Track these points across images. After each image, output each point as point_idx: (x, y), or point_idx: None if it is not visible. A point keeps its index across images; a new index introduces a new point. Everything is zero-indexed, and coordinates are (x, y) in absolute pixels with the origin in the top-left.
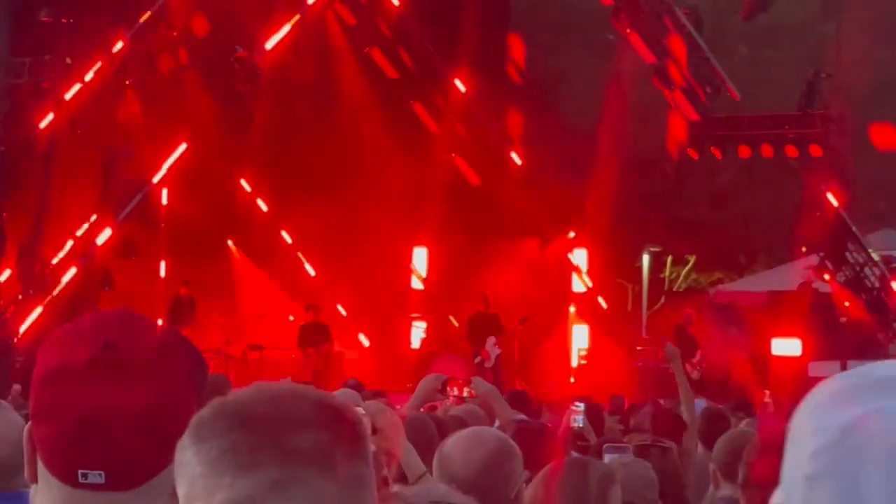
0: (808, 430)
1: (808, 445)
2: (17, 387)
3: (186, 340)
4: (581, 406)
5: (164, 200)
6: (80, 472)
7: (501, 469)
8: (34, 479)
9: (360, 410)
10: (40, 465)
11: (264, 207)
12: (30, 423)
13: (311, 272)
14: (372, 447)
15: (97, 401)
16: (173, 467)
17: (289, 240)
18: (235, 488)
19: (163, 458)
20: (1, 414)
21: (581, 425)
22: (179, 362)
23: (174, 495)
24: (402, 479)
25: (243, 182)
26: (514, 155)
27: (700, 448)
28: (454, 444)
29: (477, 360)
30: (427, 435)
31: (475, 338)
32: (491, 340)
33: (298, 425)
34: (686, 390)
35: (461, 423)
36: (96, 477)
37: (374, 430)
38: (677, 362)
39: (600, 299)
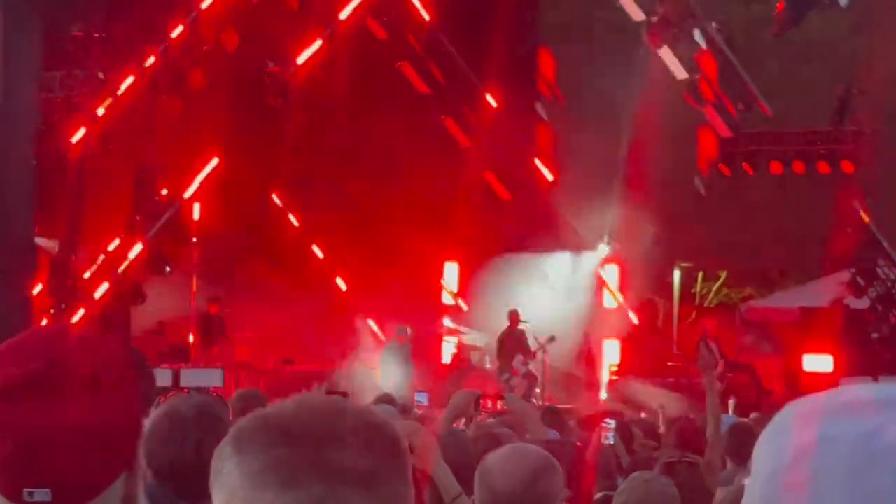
0: (766, 452)
1: (765, 467)
2: None
3: (133, 352)
4: (612, 423)
5: (196, 215)
6: (25, 490)
7: (542, 484)
8: None
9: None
10: None
11: (295, 222)
12: None
13: (342, 286)
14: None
15: (42, 418)
16: (122, 481)
17: (320, 254)
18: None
19: (110, 473)
20: None
21: (612, 442)
22: (124, 375)
23: None
24: (437, 499)
25: (275, 197)
26: (544, 170)
27: (729, 464)
28: (495, 459)
29: (504, 377)
30: (464, 454)
31: (504, 356)
32: (518, 358)
33: (341, 442)
34: (714, 405)
35: (494, 439)
36: (43, 495)
37: (410, 450)
38: (710, 376)
39: (631, 314)
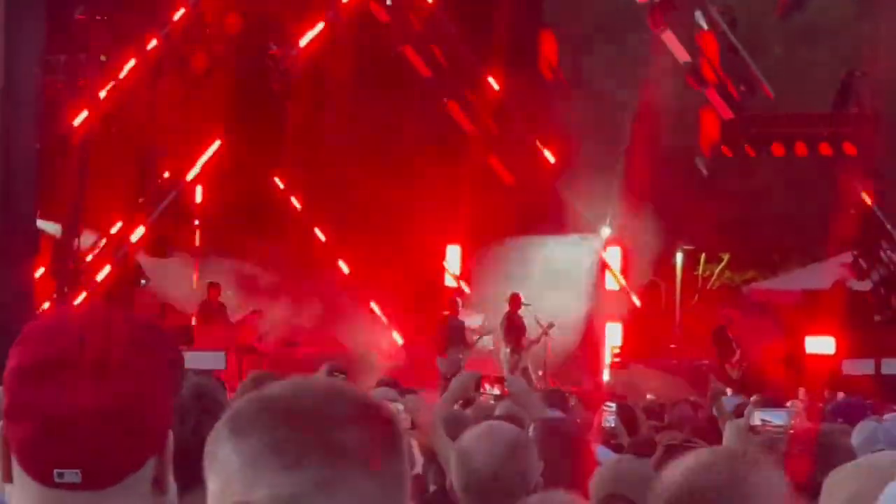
0: None
1: None
2: None
3: (163, 335)
4: (612, 406)
5: (198, 198)
6: (55, 471)
7: (521, 462)
8: (8, 479)
9: (399, 406)
10: (15, 465)
11: (298, 205)
12: (2, 421)
13: (345, 269)
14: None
15: (73, 399)
16: (151, 463)
17: (322, 237)
18: (279, 485)
19: (139, 454)
20: None
21: (613, 425)
22: (154, 357)
23: (153, 491)
24: (440, 473)
25: (277, 180)
26: (547, 153)
27: None
28: (472, 440)
29: (513, 358)
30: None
31: (511, 338)
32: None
33: (340, 423)
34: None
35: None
36: (73, 476)
37: (414, 426)
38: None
39: (634, 297)
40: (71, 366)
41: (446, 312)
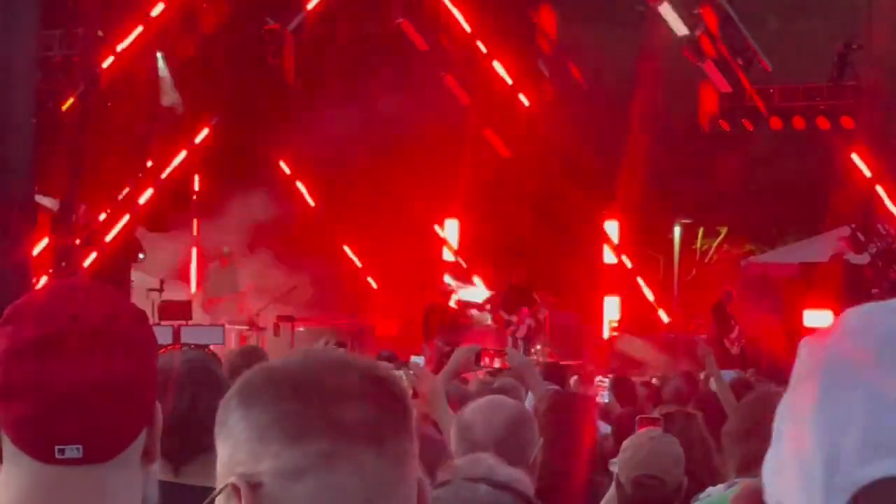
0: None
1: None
2: None
3: (139, 308)
4: (605, 381)
5: (196, 173)
6: (56, 447)
7: (521, 435)
8: None
9: (402, 375)
10: (6, 444)
11: (287, 169)
12: None
13: (345, 246)
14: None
15: (70, 375)
16: (143, 435)
17: (312, 204)
18: (283, 458)
19: (135, 425)
20: None
21: (606, 400)
22: (141, 330)
23: (143, 461)
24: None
25: (275, 155)
26: (544, 127)
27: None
28: (474, 412)
29: (511, 327)
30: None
31: (508, 309)
32: (524, 312)
33: (347, 397)
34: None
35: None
36: (74, 451)
37: (415, 394)
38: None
39: (631, 268)
40: (65, 341)
41: (442, 297)
